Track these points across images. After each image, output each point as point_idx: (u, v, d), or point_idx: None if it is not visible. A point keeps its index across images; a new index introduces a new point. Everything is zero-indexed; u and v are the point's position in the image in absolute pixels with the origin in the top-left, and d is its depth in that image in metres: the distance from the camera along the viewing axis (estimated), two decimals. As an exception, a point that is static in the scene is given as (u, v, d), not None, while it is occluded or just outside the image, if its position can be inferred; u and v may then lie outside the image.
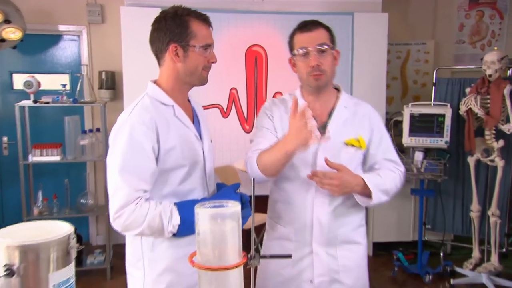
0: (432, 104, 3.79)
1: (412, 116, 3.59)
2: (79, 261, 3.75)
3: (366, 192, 1.57)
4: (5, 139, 4.17)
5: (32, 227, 1.10)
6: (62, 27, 4.25)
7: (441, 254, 3.86)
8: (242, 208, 1.45)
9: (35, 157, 3.50)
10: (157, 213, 1.39)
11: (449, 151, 3.77)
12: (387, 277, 3.81)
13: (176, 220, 1.39)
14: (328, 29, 1.66)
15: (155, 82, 1.55)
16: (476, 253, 3.69)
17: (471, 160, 3.62)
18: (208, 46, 1.51)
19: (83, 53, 4.30)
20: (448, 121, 3.51)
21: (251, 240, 1.12)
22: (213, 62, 1.54)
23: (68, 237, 1.04)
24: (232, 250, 1.09)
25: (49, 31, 4.26)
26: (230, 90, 3.69)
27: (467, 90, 3.57)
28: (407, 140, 3.61)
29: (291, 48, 1.68)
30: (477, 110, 3.40)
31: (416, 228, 4.14)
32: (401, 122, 3.82)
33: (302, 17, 3.66)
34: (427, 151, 3.66)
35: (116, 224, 1.39)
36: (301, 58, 1.62)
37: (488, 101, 3.37)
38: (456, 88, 3.86)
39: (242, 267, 1.10)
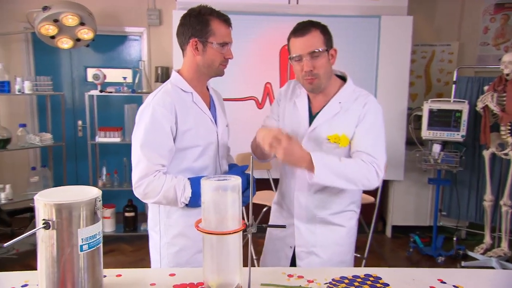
0: (451, 101, 3.62)
1: (431, 111, 3.43)
2: (135, 227, 3.93)
3: (312, 171, 1.42)
4: (79, 122, 4.39)
5: (68, 190, 1.15)
6: (126, 29, 4.40)
7: (454, 238, 3.70)
8: (246, 189, 1.47)
9: (100, 138, 3.67)
10: (172, 185, 1.42)
11: (465, 144, 3.59)
12: (402, 256, 3.71)
13: (188, 192, 1.43)
14: (322, 30, 1.51)
15: (178, 71, 1.57)
16: (487, 239, 3.51)
17: (486, 153, 3.43)
18: (225, 43, 1.49)
19: (143, 51, 4.44)
20: (465, 117, 3.34)
21: (249, 211, 1.12)
22: (229, 58, 1.52)
23: (94, 200, 1.10)
24: (232, 218, 1.10)
25: (116, 32, 4.41)
26: (265, 84, 3.69)
27: (485, 88, 3.38)
28: (425, 133, 3.47)
29: (289, 51, 1.56)
30: (493, 107, 3.21)
31: (432, 214, 3.99)
32: (421, 116, 3.67)
33: (333, 20, 3.63)
34: (444, 144, 3.50)
35: (137, 192, 1.45)
36: (296, 62, 1.53)
37: (504, 98, 3.17)
38: (476, 86, 3.66)
39: (241, 233, 1.12)
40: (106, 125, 3.89)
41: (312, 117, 1.59)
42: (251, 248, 1.13)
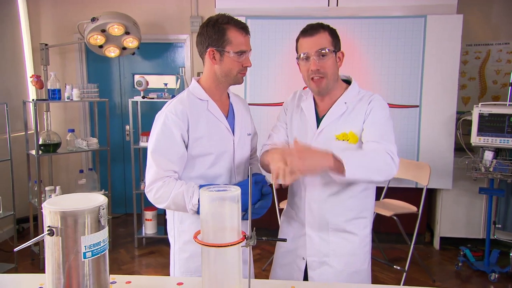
0: (507, 104, 3.34)
1: (481, 116, 3.19)
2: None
3: (340, 168, 1.32)
4: (127, 127, 4.57)
5: (76, 197, 1.19)
6: (170, 36, 4.53)
7: (511, 254, 3.41)
8: (258, 200, 1.45)
9: (142, 143, 3.80)
10: (180, 192, 1.43)
11: (523, 152, 3.30)
12: (450, 271, 3.47)
13: (195, 200, 1.42)
14: (331, 32, 1.53)
15: (198, 79, 1.60)
16: (548, 257, 3.20)
17: (546, 162, 3.13)
18: (242, 52, 1.48)
19: (186, 57, 4.55)
20: (521, 122, 3.07)
21: (249, 222, 1.09)
22: (247, 67, 1.52)
23: (98, 208, 1.13)
24: (231, 230, 1.08)
25: (161, 40, 4.57)
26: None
27: (545, 90, 3.09)
28: (475, 139, 3.23)
29: (297, 52, 1.57)
30: (554, 111, 2.92)
31: (485, 226, 3.70)
32: (471, 121, 3.43)
33: (374, 21, 3.53)
34: (498, 151, 3.24)
35: (149, 197, 1.48)
36: (303, 62, 1.53)
37: None
38: (535, 88, 3.36)
39: (239, 245, 1.09)
40: (149, 130, 4.01)
41: (319, 120, 1.59)
42: (251, 260, 1.09)
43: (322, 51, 1.48)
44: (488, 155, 3.23)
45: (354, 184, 1.54)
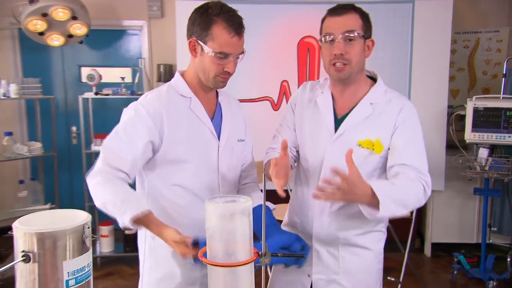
0: (501, 97, 3.52)
1: (476, 110, 3.34)
2: (136, 247, 3.91)
3: (374, 203, 1.31)
4: (73, 128, 4.41)
5: (53, 214, 1.14)
6: (124, 22, 4.42)
7: (508, 259, 3.58)
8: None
9: (96, 146, 3.68)
10: (113, 201, 1.34)
11: (519, 149, 3.48)
12: (445, 280, 3.61)
13: (127, 219, 1.31)
14: (362, 15, 1.47)
15: (183, 72, 1.55)
16: (547, 260, 3.39)
17: (543, 159, 3.32)
18: (223, 54, 1.41)
19: (143, 47, 4.46)
20: (517, 116, 3.24)
21: (262, 238, 1.08)
22: (228, 72, 1.44)
23: (83, 227, 1.08)
24: (242, 247, 1.07)
25: (113, 26, 4.45)
26: (281, 82, 3.65)
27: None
28: (469, 135, 3.37)
29: (321, 33, 1.51)
30: (551, 104, 3.11)
31: (480, 229, 3.88)
32: (464, 116, 3.58)
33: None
34: (493, 148, 3.40)
35: (88, 183, 1.41)
36: (326, 45, 1.47)
37: None
38: (530, 79, 3.56)
39: (252, 264, 1.08)
40: (103, 132, 3.89)
41: (337, 121, 1.53)
42: (264, 281, 1.09)
43: (350, 35, 1.42)
44: (483, 153, 3.38)
45: None
